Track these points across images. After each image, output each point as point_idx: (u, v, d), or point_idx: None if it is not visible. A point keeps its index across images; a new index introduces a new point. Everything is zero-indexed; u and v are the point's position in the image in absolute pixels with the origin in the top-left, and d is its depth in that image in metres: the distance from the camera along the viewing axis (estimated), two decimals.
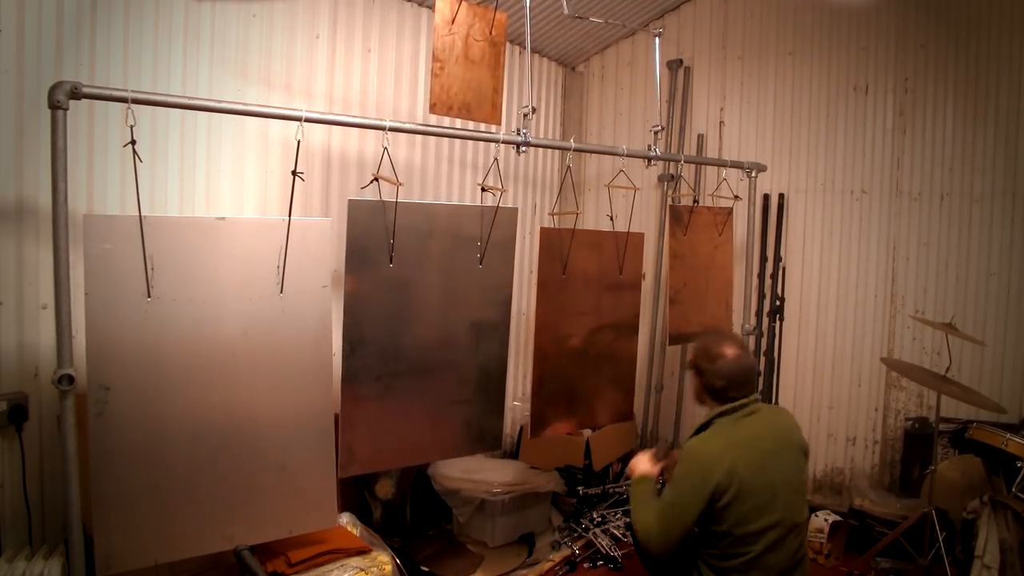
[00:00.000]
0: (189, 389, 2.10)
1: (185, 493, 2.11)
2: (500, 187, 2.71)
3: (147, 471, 2.04)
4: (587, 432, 3.83)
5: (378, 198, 2.42)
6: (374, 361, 2.48)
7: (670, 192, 4.54)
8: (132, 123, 1.89)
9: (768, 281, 4.22)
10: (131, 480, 2.02)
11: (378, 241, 2.44)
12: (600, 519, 3.56)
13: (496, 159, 2.70)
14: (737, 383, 2.25)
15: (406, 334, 2.55)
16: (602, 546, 3.36)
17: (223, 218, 2.20)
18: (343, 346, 2.41)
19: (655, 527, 2.15)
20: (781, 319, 4.20)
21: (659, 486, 2.38)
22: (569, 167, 3.01)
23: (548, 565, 3.29)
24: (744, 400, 2.25)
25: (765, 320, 4.21)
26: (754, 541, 2.10)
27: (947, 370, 3.19)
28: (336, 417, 2.40)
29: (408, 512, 3.38)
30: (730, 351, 2.29)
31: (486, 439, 2.84)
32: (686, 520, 2.11)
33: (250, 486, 2.22)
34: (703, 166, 4.43)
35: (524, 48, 3.89)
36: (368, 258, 2.43)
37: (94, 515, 1.96)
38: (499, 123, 2.71)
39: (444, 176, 3.88)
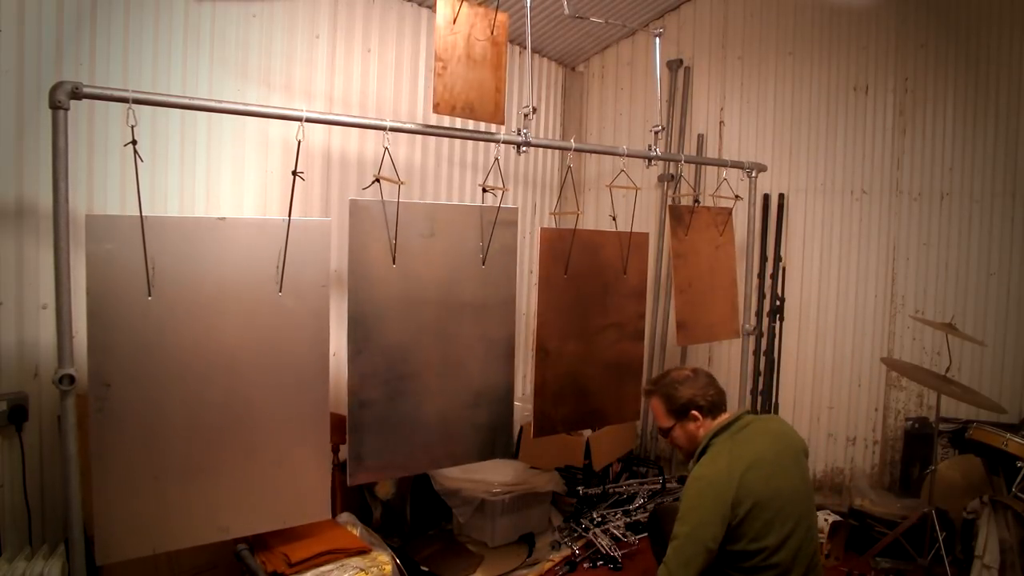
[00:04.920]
0: (189, 386, 2.11)
1: (183, 486, 2.12)
2: (502, 186, 2.71)
3: (146, 464, 2.05)
4: (587, 432, 3.83)
5: (379, 198, 2.42)
6: (380, 364, 2.48)
7: (670, 192, 4.54)
8: (133, 123, 1.89)
9: (768, 281, 4.22)
10: (130, 473, 2.03)
11: (380, 241, 2.44)
12: (600, 519, 3.56)
13: (497, 159, 2.70)
14: (720, 393, 2.25)
15: (411, 335, 2.55)
16: (602, 546, 3.36)
17: (223, 218, 2.20)
18: (348, 348, 2.41)
19: (674, 565, 1.98)
20: (781, 319, 4.20)
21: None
22: (569, 167, 3.01)
23: (548, 565, 3.29)
24: (736, 413, 2.22)
25: (765, 320, 4.21)
26: (777, 551, 2.01)
27: (947, 370, 3.19)
28: (332, 416, 2.40)
29: (408, 512, 3.38)
30: (687, 371, 2.30)
31: (497, 444, 2.79)
32: (707, 548, 1.98)
33: (246, 480, 2.23)
34: (703, 166, 4.43)
35: (524, 48, 3.89)
36: (370, 258, 2.43)
37: (94, 505, 1.97)
38: (502, 122, 2.71)
39: (444, 176, 3.88)
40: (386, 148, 2.35)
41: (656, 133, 3.14)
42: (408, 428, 2.56)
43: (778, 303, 4.20)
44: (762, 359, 4.21)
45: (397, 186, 2.38)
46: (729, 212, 3.65)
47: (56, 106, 1.79)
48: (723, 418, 2.21)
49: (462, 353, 2.68)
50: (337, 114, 2.95)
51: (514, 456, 3.98)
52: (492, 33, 2.56)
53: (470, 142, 3.94)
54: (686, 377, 2.27)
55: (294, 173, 2.18)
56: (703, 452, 2.16)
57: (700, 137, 4.48)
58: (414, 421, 2.57)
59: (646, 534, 3.36)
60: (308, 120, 2.21)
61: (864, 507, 3.54)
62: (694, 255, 3.52)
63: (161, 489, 2.08)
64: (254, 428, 2.23)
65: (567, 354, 3.03)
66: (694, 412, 2.22)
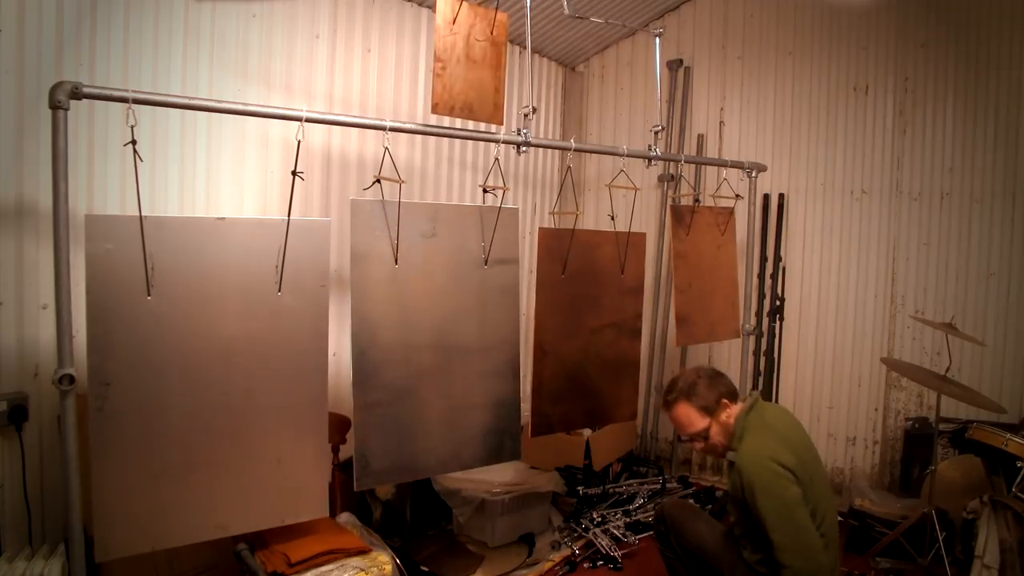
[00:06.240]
0: (188, 386, 2.11)
1: (181, 484, 2.11)
2: (503, 186, 2.70)
3: (145, 463, 2.05)
4: (587, 432, 3.83)
5: (380, 198, 2.42)
6: (384, 365, 2.47)
7: (670, 192, 4.54)
8: (132, 123, 1.89)
9: (768, 281, 4.22)
10: (130, 471, 2.03)
11: (382, 241, 2.44)
12: (600, 519, 3.56)
13: (497, 159, 2.69)
14: (730, 381, 2.41)
15: (414, 336, 2.54)
16: (602, 546, 3.36)
17: (223, 218, 2.20)
18: (352, 350, 2.40)
19: (798, 546, 2.05)
20: (781, 319, 4.21)
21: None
22: (569, 167, 3.01)
23: (548, 565, 3.28)
24: (752, 395, 2.38)
25: (765, 320, 4.21)
26: (825, 519, 2.15)
27: (947, 370, 3.18)
28: (331, 415, 2.40)
29: (408, 512, 3.38)
30: (692, 373, 2.42)
31: (504, 447, 2.75)
32: (800, 504, 2.08)
33: (244, 478, 2.23)
34: (703, 166, 4.43)
35: (524, 48, 3.89)
36: (372, 258, 2.43)
37: (94, 503, 1.97)
38: (501, 123, 2.71)
39: (444, 176, 3.88)
40: (386, 148, 2.35)
41: (656, 133, 3.14)
42: (413, 431, 2.55)
43: (778, 303, 4.20)
44: (762, 359, 4.21)
45: (398, 185, 2.38)
46: (731, 212, 3.66)
47: (56, 106, 1.79)
48: (745, 402, 2.35)
49: (466, 354, 2.67)
50: (337, 114, 2.95)
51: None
52: (492, 33, 2.56)
53: (470, 142, 3.94)
54: (700, 375, 2.39)
55: (294, 173, 2.18)
56: (742, 436, 2.26)
57: (700, 137, 4.48)
58: (419, 424, 2.56)
59: (648, 534, 3.37)
60: (308, 120, 2.20)
61: (864, 507, 3.54)
62: (695, 255, 3.52)
63: (160, 487, 2.08)
64: (253, 427, 2.23)
65: (565, 354, 3.03)
66: (724, 401, 2.33)
